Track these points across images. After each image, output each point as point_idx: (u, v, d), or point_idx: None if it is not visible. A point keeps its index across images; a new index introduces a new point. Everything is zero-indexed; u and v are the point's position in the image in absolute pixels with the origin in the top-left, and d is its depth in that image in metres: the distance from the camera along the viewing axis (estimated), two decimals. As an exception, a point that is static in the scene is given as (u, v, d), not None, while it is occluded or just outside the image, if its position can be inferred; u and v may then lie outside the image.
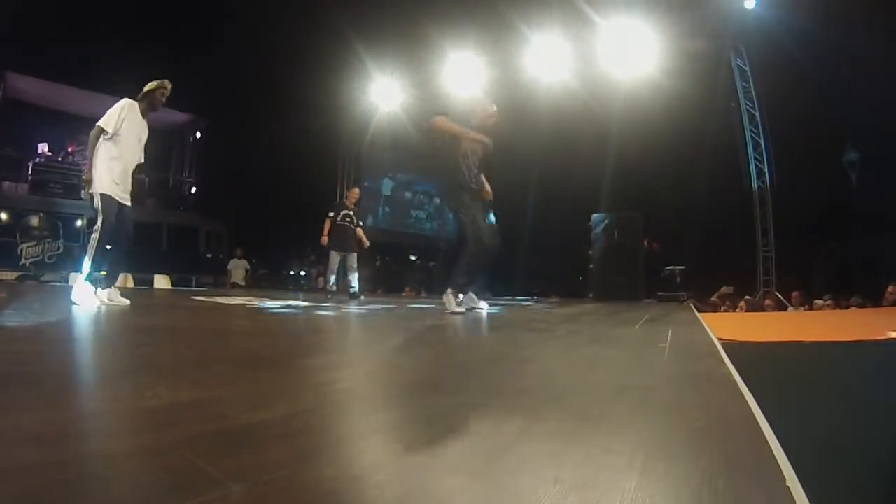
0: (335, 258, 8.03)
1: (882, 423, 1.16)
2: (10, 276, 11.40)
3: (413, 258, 18.64)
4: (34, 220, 12.35)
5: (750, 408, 1.16)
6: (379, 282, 15.80)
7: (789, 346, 2.87)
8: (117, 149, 4.14)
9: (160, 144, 15.82)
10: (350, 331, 3.05)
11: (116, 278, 4.39)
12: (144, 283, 12.02)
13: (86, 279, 4.02)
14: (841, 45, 8.27)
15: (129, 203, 4.30)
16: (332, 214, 8.11)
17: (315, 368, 1.71)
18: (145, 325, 2.86)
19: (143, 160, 4.41)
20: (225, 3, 12.02)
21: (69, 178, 12.49)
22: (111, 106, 4.22)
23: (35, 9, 10.68)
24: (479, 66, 11.90)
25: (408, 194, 17.90)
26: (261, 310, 4.50)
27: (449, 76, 12.26)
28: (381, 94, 13.98)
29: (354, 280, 8.04)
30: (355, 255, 8.09)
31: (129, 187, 4.29)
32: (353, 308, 5.32)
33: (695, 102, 10.37)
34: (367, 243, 8.28)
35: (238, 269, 13.50)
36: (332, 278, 8.17)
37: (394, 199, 17.34)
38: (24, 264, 11.94)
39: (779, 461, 0.80)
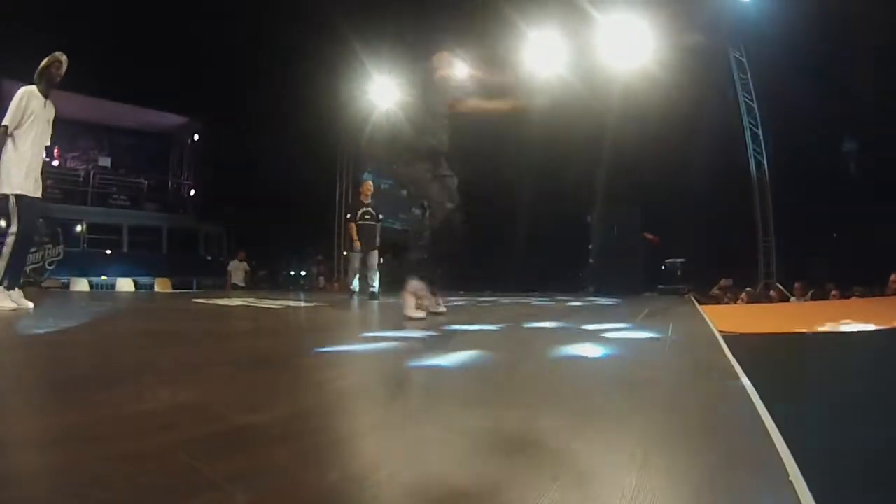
0: (356, 257, 7.60)
1: (887, 414, 1.15)
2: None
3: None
4: (34, 226, 12.36)
5: (752, 401, 1.15)
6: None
7: (791, 338, 2.85)
8: (26, 141, 3.95)
9: (158, 147, 15.88)
10: (346, 328, 3.05)
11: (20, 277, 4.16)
12: (145, 286, 12.04)
13: (4, 286, 3.85)
14: (839, 35, 8.23)
15: (39, 195, 4.09)
16: (349, 216, 7.74)
17: (313, 367, 1.70)
18: (145, 328, 2.85)
19: (49, 143, 4.21)
20: (222, 4, 11.98)
21: (68, 184, 12.50)
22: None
23: (28, 14, 10.65)
24: (476, 61, 11.84)
25: (402, 192, 17.71)
26: (261, 310, 4.50)
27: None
28: (379, 93, 13.92)
29: (375, 279, 7.65)
30: (376, 252, 7.67)
31: (39, 176, 4.10)
32: (360, 306, 5.33)
33: (693, 95, 10.33)
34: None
35: (238, 270, 13.47)
36: (355, 278, 7.70)
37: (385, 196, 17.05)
38: (24, 270, 11.95)
39: (782, 456, 0.79)
